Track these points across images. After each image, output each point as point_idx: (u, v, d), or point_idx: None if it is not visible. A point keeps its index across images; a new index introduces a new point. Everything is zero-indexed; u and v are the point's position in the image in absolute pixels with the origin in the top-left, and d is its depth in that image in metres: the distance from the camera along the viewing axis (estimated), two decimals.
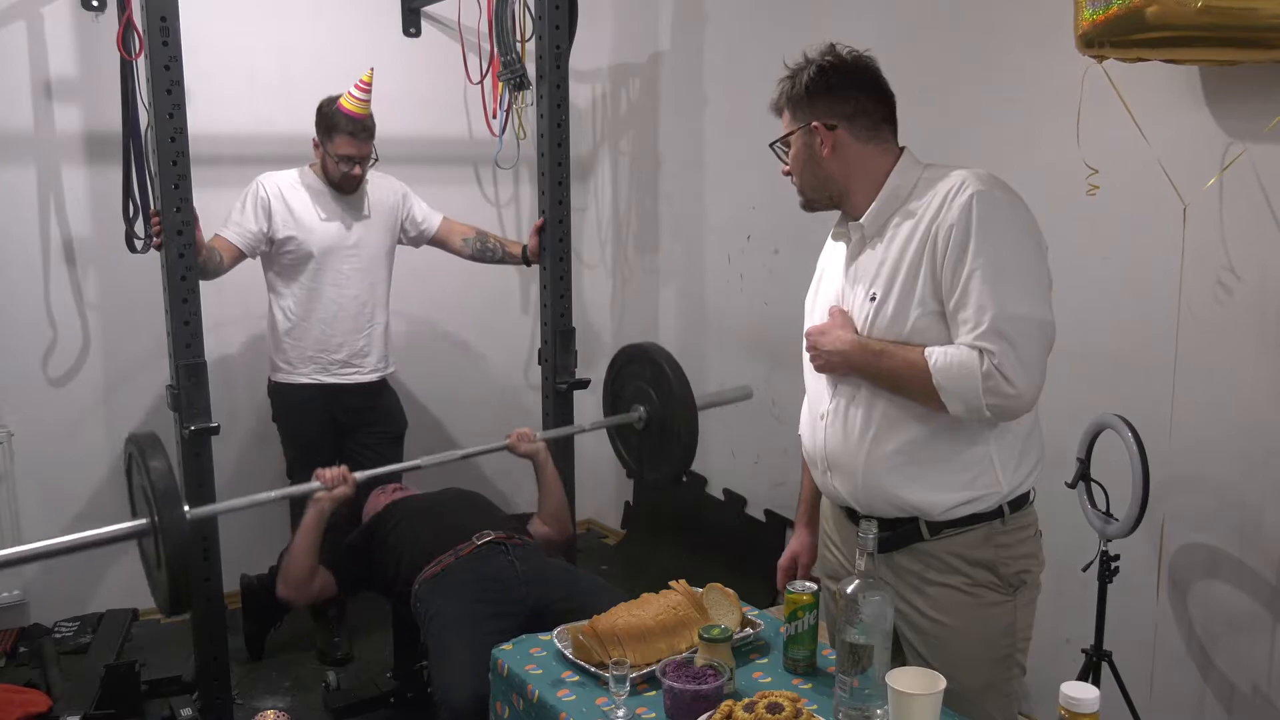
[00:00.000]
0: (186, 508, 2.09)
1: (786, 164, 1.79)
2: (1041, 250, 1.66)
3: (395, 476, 2.86)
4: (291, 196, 3.11)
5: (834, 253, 1.87)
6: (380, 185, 3.28)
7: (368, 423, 3.30)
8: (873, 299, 1.70)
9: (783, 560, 2.07)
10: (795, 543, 2.07)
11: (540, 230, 3.12)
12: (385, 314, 3.29)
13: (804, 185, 1.79)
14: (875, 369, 1.69)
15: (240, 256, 3.05)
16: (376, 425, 3.33)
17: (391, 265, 3.33)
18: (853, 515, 1.80)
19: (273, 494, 2.54)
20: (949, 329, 1.63)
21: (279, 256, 3.14)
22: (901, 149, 1.76)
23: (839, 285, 1.81)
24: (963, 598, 1.71)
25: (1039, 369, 1.60)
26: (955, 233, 1.59)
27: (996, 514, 1.70)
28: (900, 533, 1.72)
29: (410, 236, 3.37)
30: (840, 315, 1.76)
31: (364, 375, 3.24)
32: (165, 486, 1.98)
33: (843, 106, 1.70)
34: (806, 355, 1.84)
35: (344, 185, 3.12)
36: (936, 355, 1.60)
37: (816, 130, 1.71)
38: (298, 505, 3.28)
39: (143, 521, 2.07)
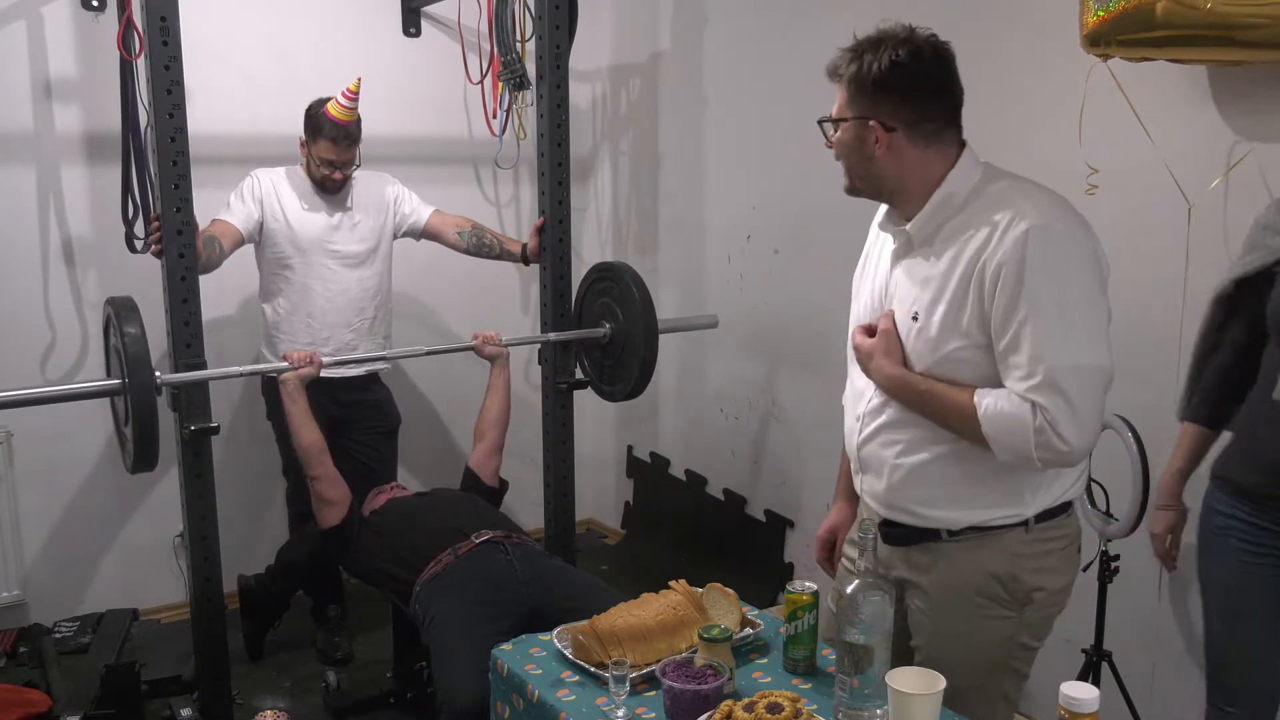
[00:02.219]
0: (158, 373, 2.36)
1: (831, 142, 1.67)
2: (1102, 286, 1.57)
3: (360, 362, 3.13)
4: (281, 192, 3.14)
5: (882, 241, 1.77)
6: (369, 182, 3.29)
7: (360, 417, 3.31)
8: (914, 318, 1.63)
9: (821, 532, 2.01)
10: (834, 515, 2.00)
11: (540, 230, 3.12)
12: (375, 309, 3.29)
13: (851, 173, 1.68)
14: (920, 407, 1.64)
15: (240, 241, 3.07)
16: (369, 420, 3.34)
17: (386, 262, 3.33)
18: (885, 522, 1.76)
19: (244, 369, 2.82)
20: (992, 360, 1.57)
21: (267, 252, 3.16)
22: (962, 146, 1.65)
23: (882, 281, 1.73)
24: (963, 603, 1.69)
25: (1095, 420, 1.54)
26: (1006, 272, 1.50)
27: (1020, 524, 1.66)
28: (921, 531, 1.70)
29: (401, 231, 3.38)
30: (885, 340, 1.67)
31: (351, 370, 3.25)
32: (136, 350, 2.26)
33: (907, 111, 1.58)
34: (851, 346, 1.78)
35: (325, 187, 3.15)
36: (987, 404, 1.54)
37: (873, 128, 1.60)
38: (296, 505, 3.28)
39: (116, 381, 2.35)
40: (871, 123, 1.60)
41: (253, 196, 3.10)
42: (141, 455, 2.34)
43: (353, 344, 3.23)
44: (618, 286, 2.90)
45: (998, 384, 1.57)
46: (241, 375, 2.74)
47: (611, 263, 3.04)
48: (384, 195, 3.31)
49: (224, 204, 3.09)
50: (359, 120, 3.08)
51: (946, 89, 1.62)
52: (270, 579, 3.30)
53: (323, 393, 3.21)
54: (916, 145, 1.61)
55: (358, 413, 3.31)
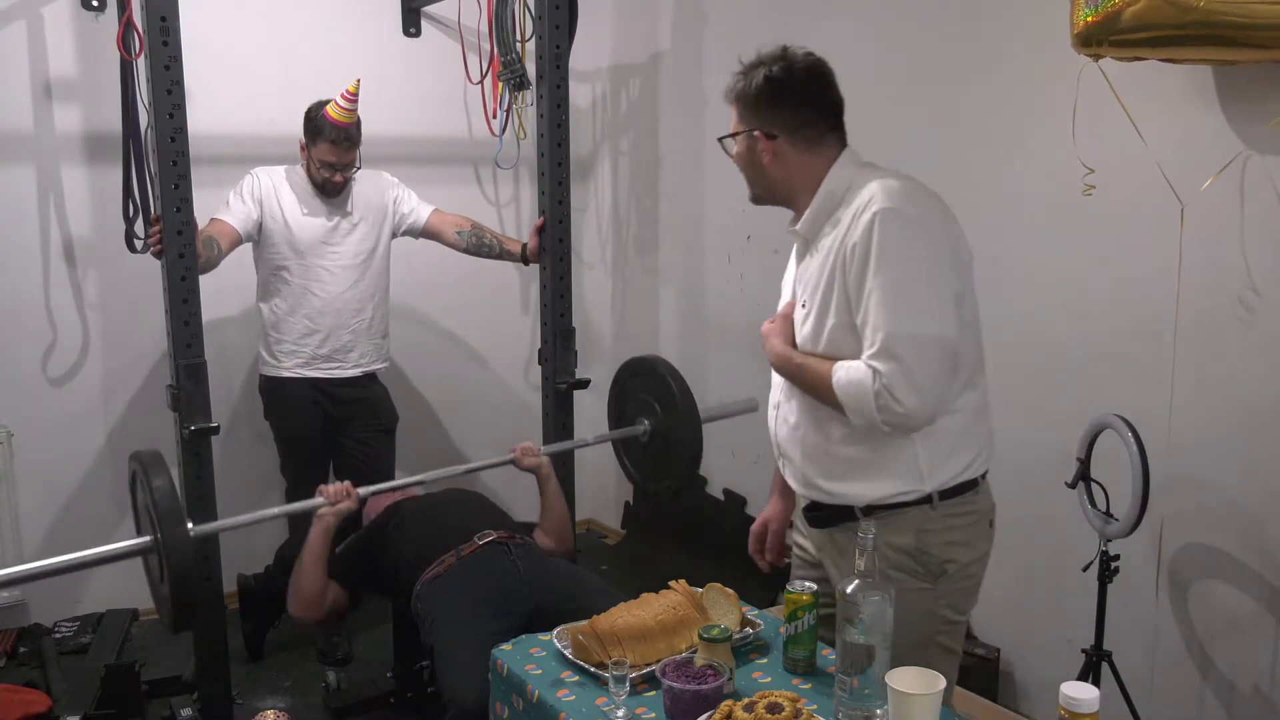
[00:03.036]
0: (190, 524, 2.12)
1: (732, 156, 1.84)
2: (951, 265, 1.67)
3: (398, 489, 2.84)
4: (281, 193, 3.14)
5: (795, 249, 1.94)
6: (369, 183, 3.28)
7: (356, 416, 3.32)
8: (804, 307, 1.78)
9: (755, 525, 2.13)
10: (768, 508, 2.12)
11: (540, 230, 3.12)
12: (373, 310, 3.29)
13: (750, 182, 1.85)
14: (797, 380, 1.79)
15: (238, 241, 3.07)
16: (366, 419, 3.34)
17: (385, 262, 3.33)
18: (810, 506, 1.88)
19: (275, 510, 2.56)
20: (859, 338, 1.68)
21: (265, 252, 3.16)
22: (842, 148, 1.79)
23: (792, 280, 1.89)
24: (881, 579, 1.70)
25: (932, 387, 1.63)
26: (858, 251, 1.64)
27: (925, 500, 1.74)
28: (837, 510, 1.80)
29: (400, 230, 3.37)
30: (783, 323, 1.84)
31: (347, 370, 3.25)
32: (169, 507, 2.02)
33: (787, 118, 1.74)
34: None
35: (325, 189, 3.15)
36: (840, 372, 1.67)
37: (758, 138, 1.76)
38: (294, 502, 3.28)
39: (147, 539, 2.11)
40: (756, 133, 1.76)
41: (252, 196, 3.10)
42: (180, 615, 2.09)
43: (350, 345, 3.24)
44: (654, 381, 2.78)
45: None
46: (275, 517, 2.56)
47: (645, 357, 2.88)
48: (383, 197, 3.31)
49: (223, 203, 3.09)
50: (359, 122, 3.08)
51: (821, 98, 1.77)
52: (269, 578, 3.30)
53: (319, 392, 3.22)
54: (799, 150, 1.76)
55: (354, 410, 3.31)
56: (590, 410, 3.96)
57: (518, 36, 3.57)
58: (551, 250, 3.08)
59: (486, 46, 3.73)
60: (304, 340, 3.17)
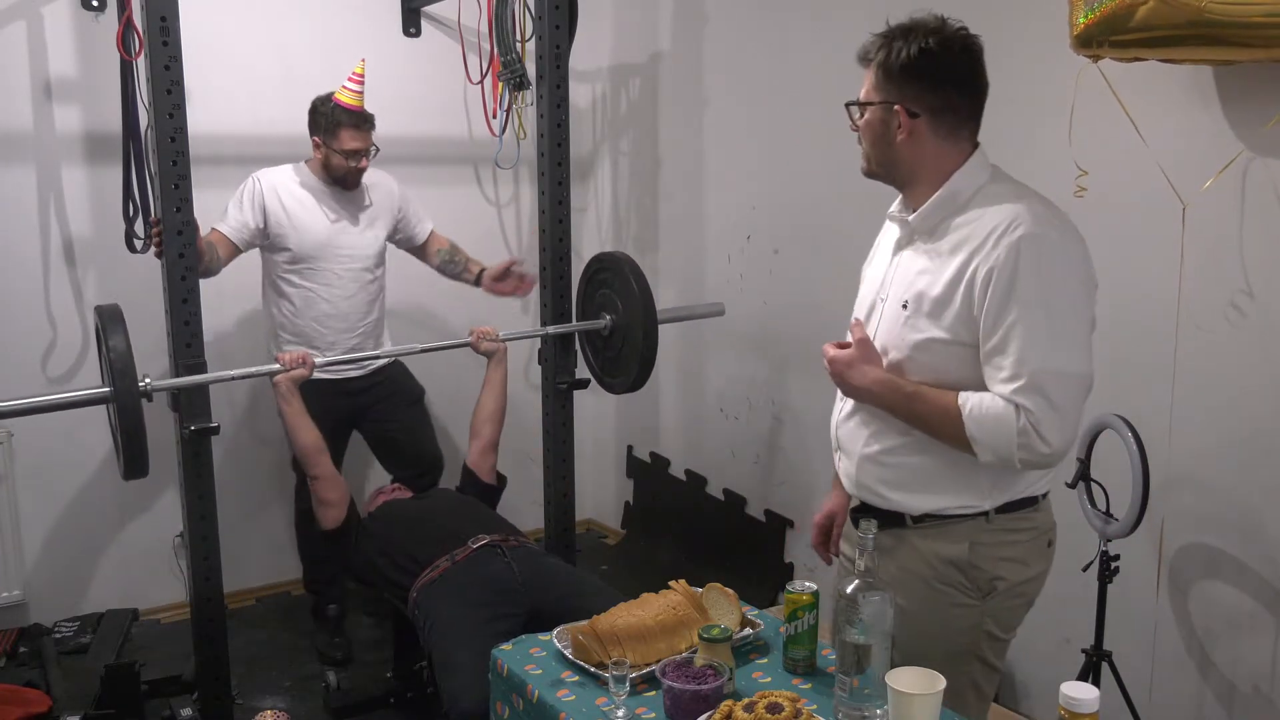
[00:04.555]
0: (147, 379, 2.37)
1: (856, 125, 1.71)
2: (1089, 296, 1.61)
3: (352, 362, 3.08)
4: (287, 194, 3.12)
5: (889, 232, 1.82)
6: (378, 184, 3.28)
7: (379, 399, 3.31)
8: (904, 306, 1.67)
9: (818, 517, 2.02)
10: (830, 501, 2.00)
11: (509, 269, 3.22)
12: (379, 311, 3.30)
13: (870, 156, 1.72)
14: (906, 411, 1.67)
15: (235, 252, 3.07)
16: (388, 400, 3.33)
17: (384, 263, 3.33)
18: (859, 508, 1.81)
19: (235, 372, 2.70)
20: (964, 361, 1.60)
21: (274, 254, 3.15)
22: (975, 147, 1.69)
23: (883, 270, 1.78)
24: (926, 590, 1.70)
25: (1075, 425, 1.57)
26: (998, 276, 1.54)
27: (980, 513, 1.69)
28: (887, 516, 1.73)
29: (397, 240, 3.38)
30: (861, 350, 1.71)
31: (355, 371, 3.24)
32: (123, 365, 2.26)
33: (932, 98, 1.62)
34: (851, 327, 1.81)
35: (348, 180, 3.13)
36: (971, 405, 1.58)
37: (898, 113, 1.64)
38: (303, 500, 3.26)
39: (106, 389, 2.33)
40: (896, 107, 1.63)
41: (252, 203, 3.08)
42: (131, 464, 2.33)
43: (359, 347, 3.22)
44: (617, 278, 2.89)
45: (968, 385, 1.61)
46: (233, 379, 2.69)
47: (611, 253, 3.01)
48: (393, 201, 3.30)
49: (223, 209, 3.08)
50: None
51: (972, 82, 1.66)
52: (310, 580, 3.34)
53: (333, 388, 3.19)
54: (936, 135, 1.65)
55: (376, 395, 3.31)
56: (591, 410, 3.96)
57: (518, 36, 3.57)
58: (551, 250, 3.07)
59: (486, 46, 3.73)
60: (310, 344, 3.14)
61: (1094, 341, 2.51)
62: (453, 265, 3.42)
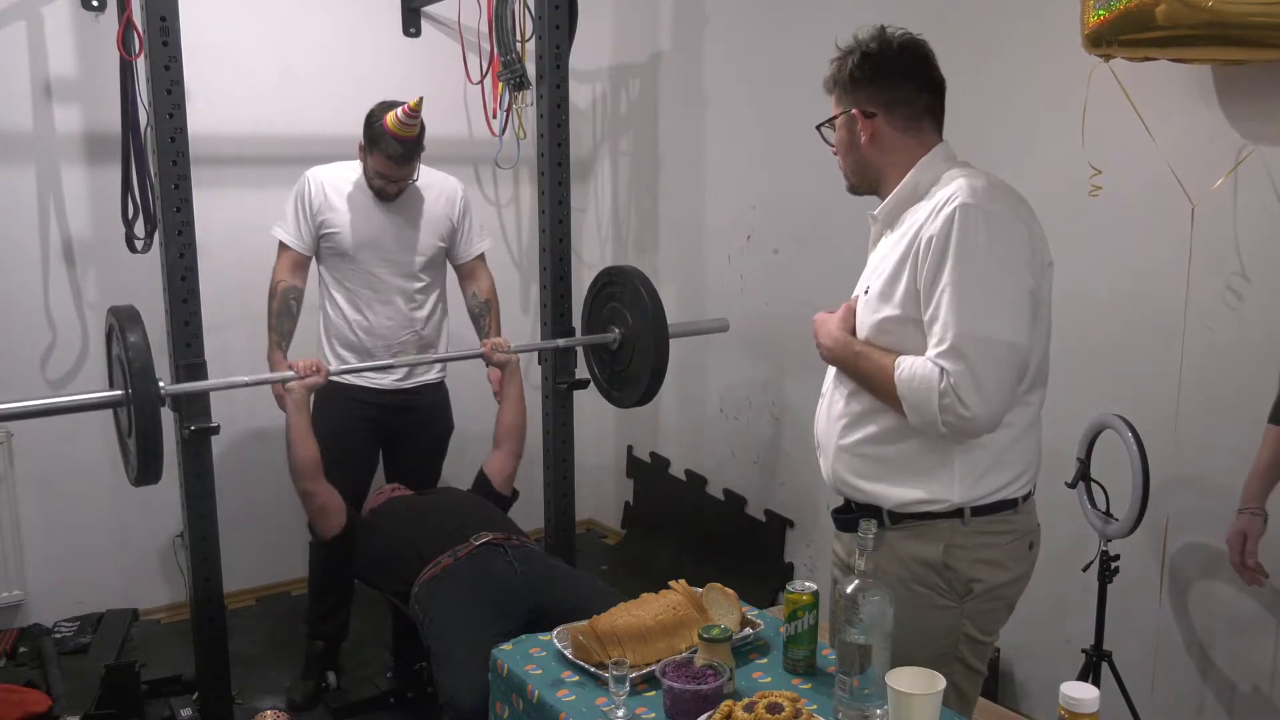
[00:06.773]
0: (163, 383, 2.29)
1: (832, 145, 1.80)
2: (1029, 269, 1.62)
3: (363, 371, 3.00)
4: (337, 189, 3.03)
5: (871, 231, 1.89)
6: (437, 188, 3.16)
7: (410, 425, 3.21)
8: (866, 292, 1.74)
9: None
10: None
11: (500, 365, 3.02)
12: (434, 330, 3.20)
13: (847, 169, 1.80)
14: (854, 368, 1.74)
15: (305, 261, 3.03)
16: (422, 432, 3.24)
17: (443, 270, 3.22)
18: (839, 509, 1.84)
19: (248, 378, 2.69)
20: (920, 335, 1.63)
21: (326, 253, 3.07)
22: (938, 142, 1.74)
23: (865, 269, 1.84)
24: (904, 591, 1.70)
25: (999, 393, 1.58)
26: (935, 245, 1.59)
27: (955, 514, 1.69)
28: (865, 511, 1.75)
29: (446, 250, 3.21)
30: (846, 310, 1.79)
31: (401, 381, 3.16)
32: (142, 364, 2.18)
33: (883, 95, 1.70)
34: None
35: (380, 196, 3.04)
36: (904, 365, 1.62)
37: (856, 117, 1.72)
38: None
39: (119, 392, 2.27)
40: (854, 112, 1.72)
41: (308, 206, 3.00)
42: (145, 469, 2.26)
43: (399, 356, 3.10)
44: (626, 291, 2.86)
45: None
46: (247, 385, 2.66)
47: (621, 266, 2.98)
48: (449, 207, 3.17)
49: (280, 214, 3.02)
50: (419, 137, 2.95)
51: (921, 73, 1.72)
52: (308, 610, 3.22)
53: (371, 397, 3.12)
54: (895, 130, 1.71)
55: (408, 418, 3.19)
56: (590, 410, 3.96)
57: (518, 36, 3.57)
58: (551, 250, 3.07)
59: (486, 46, 3.73)
60: (350, 349, 3.08)
61: (1095, 340, 2.54)
62: (476, 321, 3.29)
